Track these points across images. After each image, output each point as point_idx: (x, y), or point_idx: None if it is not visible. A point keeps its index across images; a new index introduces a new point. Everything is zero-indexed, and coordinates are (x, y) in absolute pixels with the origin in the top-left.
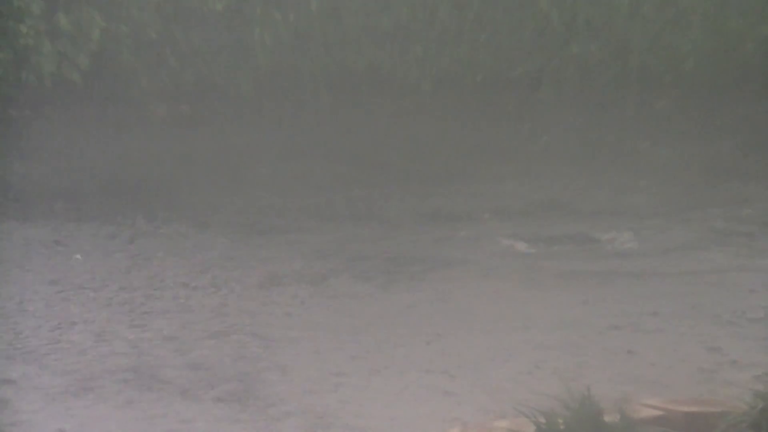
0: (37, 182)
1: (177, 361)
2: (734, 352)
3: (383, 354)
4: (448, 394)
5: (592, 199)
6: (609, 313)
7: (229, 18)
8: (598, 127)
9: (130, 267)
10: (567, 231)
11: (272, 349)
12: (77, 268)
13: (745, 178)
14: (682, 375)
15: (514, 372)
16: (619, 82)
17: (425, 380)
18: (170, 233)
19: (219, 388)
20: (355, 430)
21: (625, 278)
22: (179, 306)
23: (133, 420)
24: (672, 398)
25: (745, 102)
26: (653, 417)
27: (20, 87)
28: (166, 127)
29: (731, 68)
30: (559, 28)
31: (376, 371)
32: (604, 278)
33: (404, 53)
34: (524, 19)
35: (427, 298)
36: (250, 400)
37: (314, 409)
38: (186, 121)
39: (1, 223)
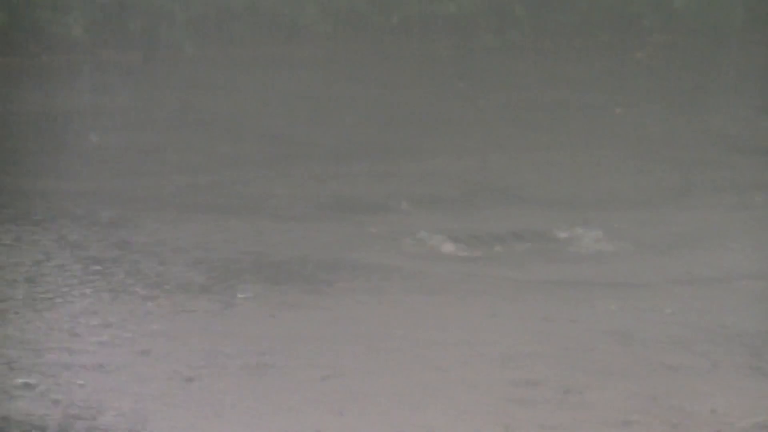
0: None
1: None
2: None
3: (261, 393)
4: None
5: (548, 183)
6: (569, 335)
7: None
8: (555, 85)
9: None
10: (514, 226)
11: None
12: None
13: (757, 153)
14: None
15: (438, 420)
16: (585, 25)
17: (317, 428)
18: None
19: None
20: None
21: (593, 290)
22: None
23: None
24: None
25: (756, 53)
26: None
27: None
28: None
29: (735, 7)
30: None
31: (248, 421)
32: (564, 291)
33: None
34: None
35: (323, 318)
36: None
37: None
38: None
39: None
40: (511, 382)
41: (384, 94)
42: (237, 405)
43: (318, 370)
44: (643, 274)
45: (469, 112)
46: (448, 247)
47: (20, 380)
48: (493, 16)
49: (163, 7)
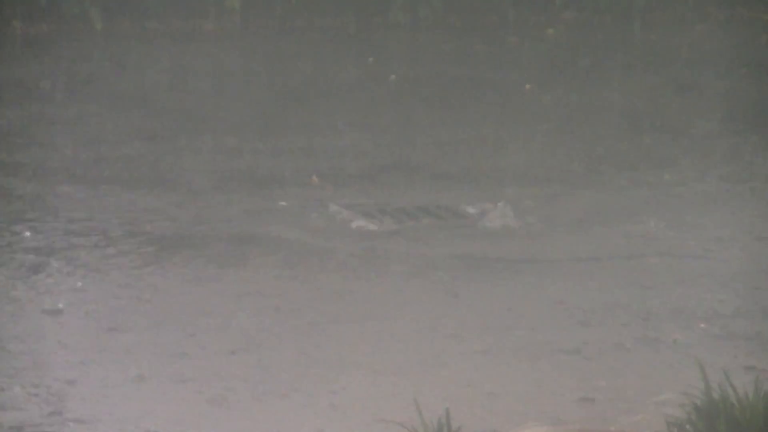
0: None
1: None
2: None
3: (168, 370)
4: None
5: (458, 159)
6: (476, 310)
7: None
8: (464, 62)
9: None
10: (423, 202)
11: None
12: None
13: (665, 131)
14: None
15: (346, 391)
16: (496, 1)
17: (228, 400)
18: None
19: None
20: None
21: (501, 266)
22: None
23: None
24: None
25: (663, 32)
26: None
27: None
28: None
29: None
30: None
31: (156, 394)
32: (472, 266)
33: None
34: None
35: (232, 292)
36: None
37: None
38: None
39: None
40: (419, 356)
41: (294, 69)
42: (146, 378)
43: (227, 344)
44: (550, 251)
45: (379, 88)
46: (358, 222)
47: None
48: None
49: None
